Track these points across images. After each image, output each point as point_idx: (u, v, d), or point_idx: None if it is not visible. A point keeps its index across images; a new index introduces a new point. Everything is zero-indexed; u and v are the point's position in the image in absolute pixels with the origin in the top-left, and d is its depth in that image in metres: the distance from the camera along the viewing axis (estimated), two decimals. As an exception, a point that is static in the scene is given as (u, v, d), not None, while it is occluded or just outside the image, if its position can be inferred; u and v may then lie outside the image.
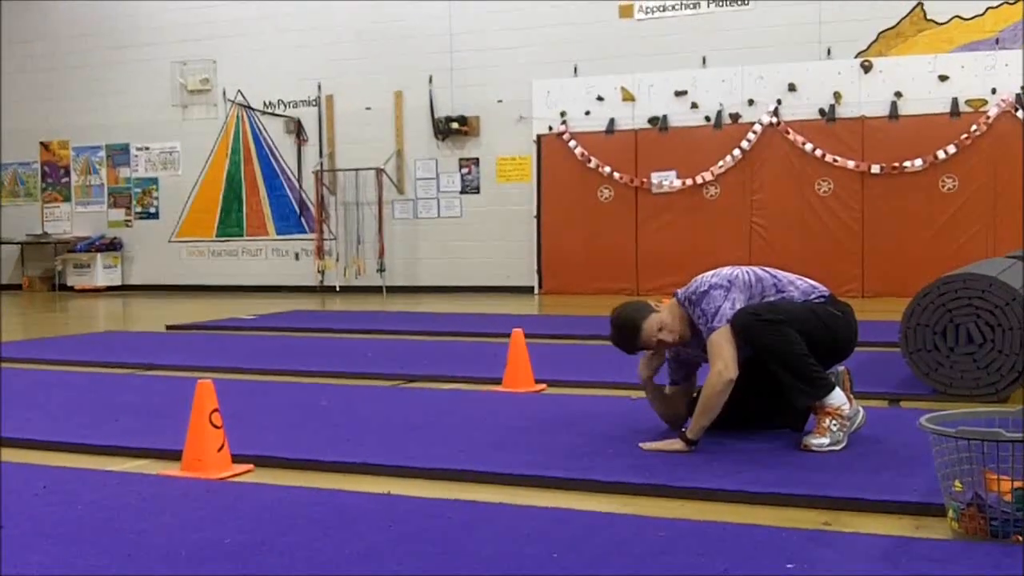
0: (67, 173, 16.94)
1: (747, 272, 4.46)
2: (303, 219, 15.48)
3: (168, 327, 10.17)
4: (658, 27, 13.56)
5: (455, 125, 14.49)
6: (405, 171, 14.92)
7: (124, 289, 16.30)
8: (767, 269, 4.56)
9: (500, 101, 14.26)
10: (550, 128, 13.90)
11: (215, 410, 4.04)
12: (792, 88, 12.84)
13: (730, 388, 4.18)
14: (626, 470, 3.90)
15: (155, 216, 16.38)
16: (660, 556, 2.96)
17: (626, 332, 4.45)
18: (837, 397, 4.25)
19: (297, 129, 15.40)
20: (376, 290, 14.76)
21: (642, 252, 13.52)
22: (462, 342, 8.52)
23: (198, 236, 16.03)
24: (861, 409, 4.37)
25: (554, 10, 13.94)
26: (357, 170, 15.01)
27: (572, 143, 13.73)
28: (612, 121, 13.58)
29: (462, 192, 14.66)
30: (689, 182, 13.29)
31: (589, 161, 13.64)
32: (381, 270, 14.83)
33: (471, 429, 4.78)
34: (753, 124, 12.99)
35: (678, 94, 13.32)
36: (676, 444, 4.22)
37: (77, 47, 16.59)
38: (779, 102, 12.90)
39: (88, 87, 16.57)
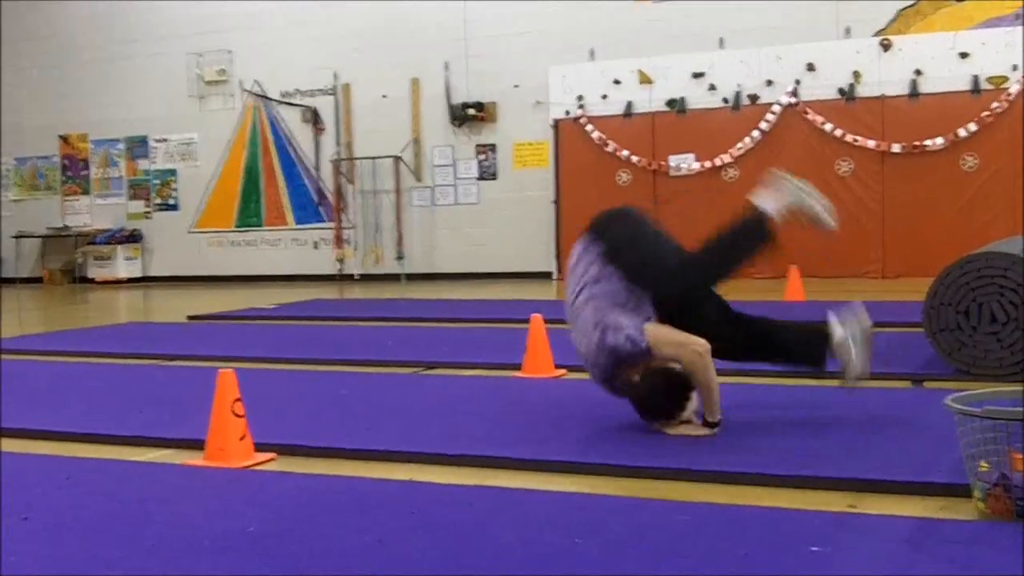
0: (86, 166, 17.00)
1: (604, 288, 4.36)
2: (321, 208, 15.50)
3: (189, 317, 10.19)
4: (675, 9, 13.50)
5: (472, 111, 14.47)
6: (422, 158, 14.92)
7: (145, 281, 16.36)
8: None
9: (517, 87, 14.23)
10: (567, 113, 13.86)
11: (237, 399, 4.05)
12: (811, 68, 12.77)
13: (707, 355, 4.10)
14: (647, 454, 3.89)
15: (174, 208, 16.43)
16: (683, 540, 2.94)
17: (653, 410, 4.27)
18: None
19: (314, 118, 15.41)
20: (395, 278, 14.77)
21: (661, 236, 13.46)
22: (481, 328, 8.51)
23: (217, 227, 16.07)
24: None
25: (570, -6, 13.91)
26: (374, 158, 15.02)
27: (589, 127, 13.69)
28: (629, 104, 13.53)
29: (479, 178, 14.65)
30: (708, 164, 13.24)
31: (607, 145, 13.60)
32: (399, 258, 14.84)
33: (491, 415, 4.77)
34: (772, 105, 12.93)
35: (696, 76, 13.26)
36: (701, 430, 4.19)
37: (94, 41, 16.63)
38: (798, 83, 12.83)
39: (106, 80, 16.61)
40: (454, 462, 3.96)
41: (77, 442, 4.59)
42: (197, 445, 4.21)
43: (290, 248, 15.67)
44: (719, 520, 3.11)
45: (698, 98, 13.30)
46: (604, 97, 13.66)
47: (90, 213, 16.97)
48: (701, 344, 4.11)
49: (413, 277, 14.73)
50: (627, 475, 3.71)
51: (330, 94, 15.35)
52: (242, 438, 4.08)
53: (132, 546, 3.05)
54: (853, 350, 4.22)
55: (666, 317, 4.28)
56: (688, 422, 4.22)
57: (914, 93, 12.40)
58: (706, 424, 4.19)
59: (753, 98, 13.03)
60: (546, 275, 14.08)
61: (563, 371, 5.89)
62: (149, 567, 2.87)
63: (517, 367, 5.94)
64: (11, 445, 4.57)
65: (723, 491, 3.47)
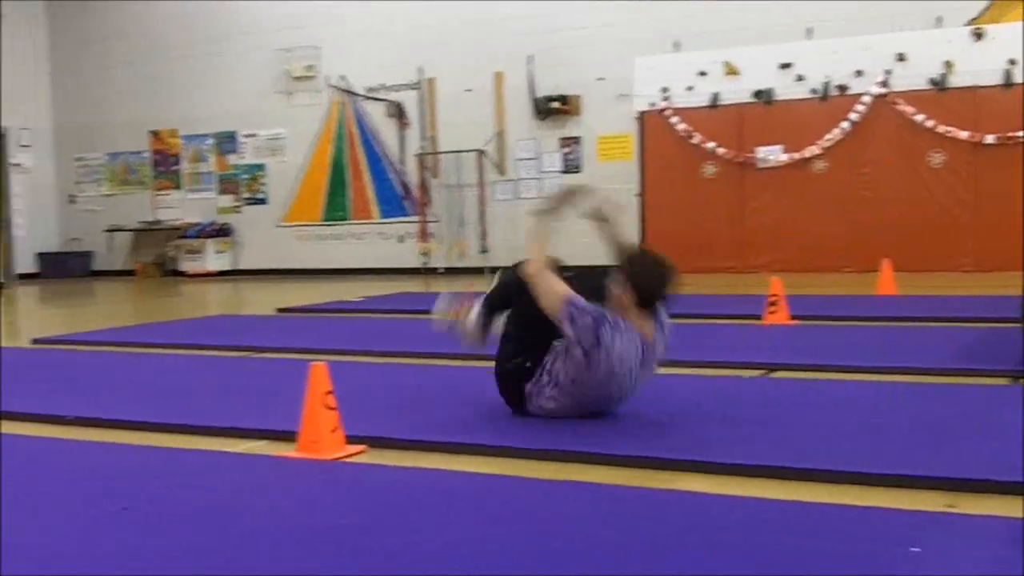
0: (177, 161, 17.30)
1: (608, 369, 4.34)
2: (406, 202, 15.60)
3: (278, 310, 10.32)
4: (761, -1, 13.36)
5: (555, 104, 14.46)
6: (506, 152, 14.94)
7: (234, 274, 16.60)
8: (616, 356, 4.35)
9: (601, 79, 14.19)
10: (652, 105, 13.78)
11: (329, 392, 4.09)
12: (901, 58, 12.55)
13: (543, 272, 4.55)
14: (743, 451, 3.84)
15: (263, 202, 16.66)
16: (779, 539, 2.90)
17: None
18: (474, 311, 4.88)
19: (399, 113, 15.51)
20: (478, 271, 14.80)
21: (747, 229, 13.35)
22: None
23: (305, 221, 16.26)
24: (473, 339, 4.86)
25: (655, -15, 13.82)
26: (458, 152, 15.07)
27: (674, 119, 13.61)
28: (715, 96, 13.42)
29: (563, 172, 14.63)
30: (796, 156, 13.08)
31: (692, 137, 13.50)
32: (483, 251, 14.88)
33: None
34: (861, 96, 12.73)
35: (783, 67, 13.11)
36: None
37: (184, 38, 16.92)
38: (888, 73, 12.62)
39: (195, 77, 16.89)
40: (541, 456, 3.95)
41: (172, 433, 4.67)
42: (289, 437, 4.26)
43: (375, 242, 15.80)
44: (814, 519, 3.07)
45: (785, 89, 13.14)
46: (690, 88, 13.55)
47: (181, 207, 17.27)
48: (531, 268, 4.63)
49: (497, 270, 14.72)
50: (720, 472, 3.66)
51: (415, 88, 15.43)
52: (334, 430, 4.12)
53: (227, 538, 3.10)
54: None
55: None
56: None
57: (1008, 83, 12.13)
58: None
59: (842, 88, 12.84)
60: (630, 269, 14.01)
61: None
62: (244, 559, 2.90)
63: (602, 362, 5.91)
64: (108, 435, 4.68)
65: (818, 489, 3.42)
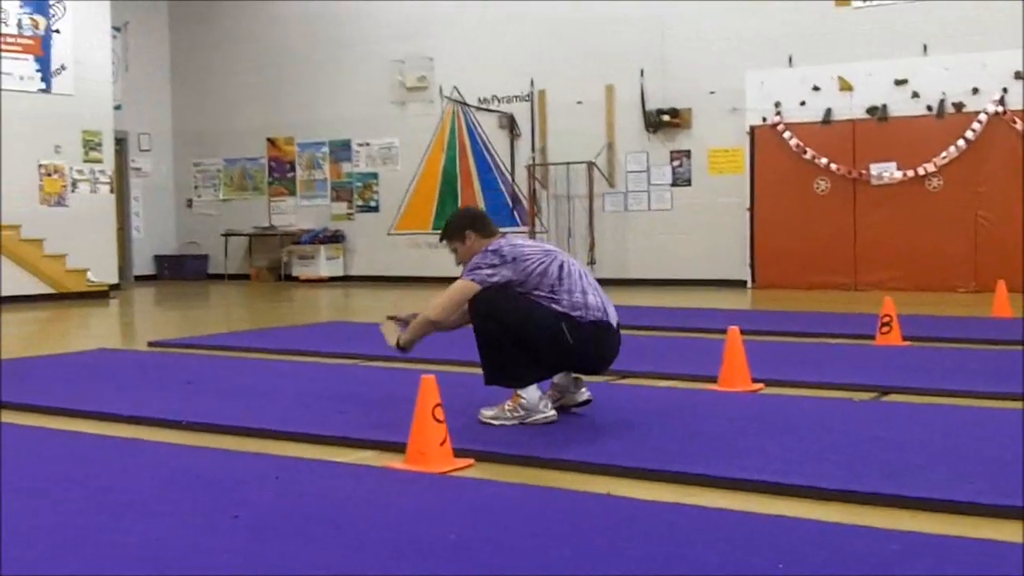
0: (292, 168, 17.63)
1: (541, 262, 4.79)
2: (515, 212, 15.67)
3: (388, 318, 10.41)
4: (876, 14, 13.15)
5: (666, 117, 14.40)
6: (616, 164, 14.92)
7: (345, 280, 16.85)
8: (566, 270, 4.82)
9: (712, 92, 14.09)
10: (764, 119, 13.65)
11: (438, 404, 4.12)
12: (1019, 76, 12.24)
13: (433, 329, 5.01)
14: (851, 477, 3.77)
15: (375, 209, 16.88)
16: (893, 569, 2.85)
17: (449, 226, 5.10)
18: (527, 391, 4.77)
19: (510, 124, 15.59)
20: (586, 283, 14.78)
21: (860, 246, 13.13)
22: (674, 338, 8.45)
23: (415, 229, 16.43)
24: (551, 415, 4.81)
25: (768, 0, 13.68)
26: (568, 163, 15.10)
27: (787, 134, 13.45)
28: (829, 111, 13.23)
29: (673, 184, 14.57)
30: (910, 173, 12.84)
31: (804, 152, 13.34)
32: (591, 263, 14.87)
33: (689, 429, 4.72)
34: (978, 114, 12.44)
35: (898, 83, 12.88)
36: (392, 338, 5.16)
37: (301, 46, 17.24)
38: (1005, 91, 12.32)
39: (312, 85, 17.19)
40: (653, 476, 3.93)
41: (283, 440, 4.75)
42: (398, 448, 4.31)
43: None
44: (933, 551, 3.00)
45: (900, 105, 12.91)
46: (803, 103, 13.39)
47: (295, 213, 17.59)
48: (433, 315, 4.96)
49: (604, 282, 14.62)
50: (830, 498, 3.60)
51: (526, 100, 15.51)
52: (442, 443, 4.15)
53: (335, 548, 3.13)
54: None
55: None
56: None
57: None
58: (398, 343, 5.11)
59: (958, 106, 12.57)
60: (739, 283, 13.90)
61: (761, 385, 5.79)
62: (353, 569, 2.94)
63: (713, 379, 5.87)
64: (221, 441, 4.78)
65: (935, 520, 3.34)
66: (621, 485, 3.85)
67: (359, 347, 7.96)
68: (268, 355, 7.81)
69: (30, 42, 14.62)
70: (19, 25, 14.50)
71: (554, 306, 4.74)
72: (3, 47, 14.31)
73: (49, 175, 14.75)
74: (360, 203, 17.02)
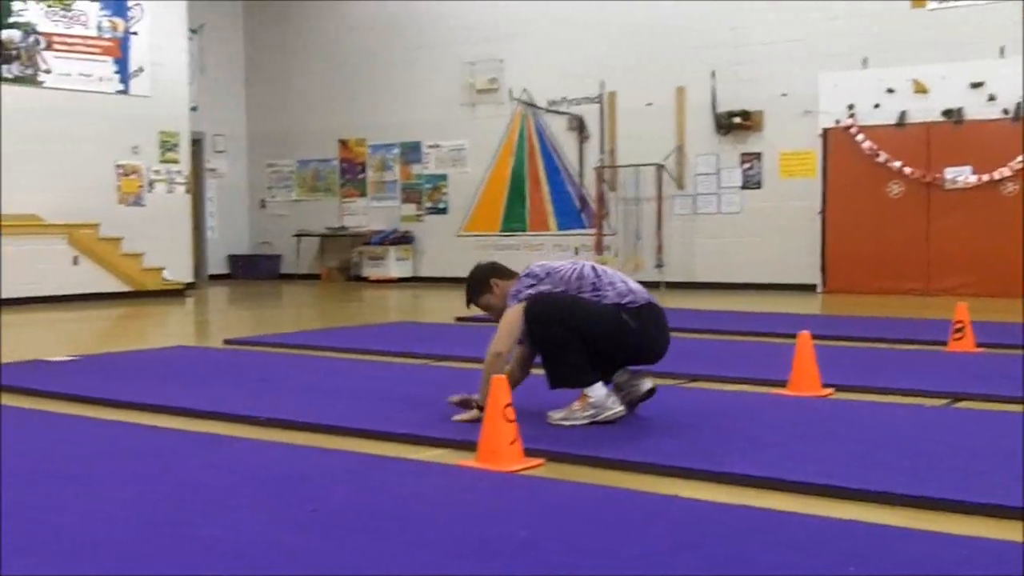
0: (363, 170, 17.81)
1: (573, 268, 4.97)
2: (583, 215, 15.70)
3: (457, 319, 10.53)
4: (952, 16, 12.99)
5: (737, 120, 14.35)
6: (685, 166, 14.89)
7: (414, 281, 16.99)
8: (598, 269, 5.02)
9: (784, 95, 14.02)
10: (837, 122, 13.56)
11: (508, 404, 4.18)
12: (1100, 79, 12.05)
13: (500, 361, 4.81)
14: (921, 482, 3.78)
15: (444, 211, 17.00)
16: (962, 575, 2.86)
17: (468, 295, 5.23)
18: (593, 389, 4.82)
19: (579, 126, 15.63)
20: (653, 285, 14.78)
21: (934, 251, 13.00)
22: (743, 342, 8.44)
23: (483, 230, 16.53)
24: (620, 410, 4.87)
25: (842, 0, 13.57)
26: (637, 166, 15.09)
27: (860, 137, 13.35)
28: (903, 114, 13.11)
29: (743, 187, 14.51)
30: (985, 178, 12.68)
31: (878, 156, 13.23)
32: (659, 266, 14.86)
33: (757, 433, 4.73)
34: (1056, 117, 12.27)
35: (974, 86, 12.73)
36: (473, 413, 4.83)
37: (373, 48, 17.41)
38: (1085, 94, 12.13)
39: (384, 87, 17.36)
40: (719, 479, 3.96)
41: (357, 437, 4.84)
42: (469, 447, 4.38)
43: (552, 253, 15.92)
44: (999, 557, 3.00)
45: (976, 108, 12.77)
46: (876, 106, 13.28)
47: (366, 215, 17.77)
48: (501, 348, 4.83)
49: (672, 285, 14.73)
50: (898, 503, 3.60)
51: (596, 102, 15.53)
52: (512, 442, 4.21)
53: (410, 544, 3.20)
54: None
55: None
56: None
57: None
58: (476, 406, 4.82)
59: (1035, 110, 12.40)
60: (809, 287, 13.81)
61: (831, 390, 5.78)
62: (426, 566, 3.00)
63: (783, 384, 5.87)
64: (296, 437, 4.88)
65: (1004, 526, 3.34)
66: (689, 487, 3.89)
67: (429, 347, 8.06)
68: (340, 354, 7.93)
69: (109, 44, 14.94)
70: (99, 27, 14.82)
71: (604, 301, 4.88)
72: (83, 49, 14.64)
73: (127, 175, 15.06)
74: (429, 205, 17.15)
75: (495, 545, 3.17)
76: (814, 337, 5.95)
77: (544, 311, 4.81)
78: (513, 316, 4.86)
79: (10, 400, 6.02)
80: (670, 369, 6.66)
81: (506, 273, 5.14)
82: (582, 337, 4.78)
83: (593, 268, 5.00)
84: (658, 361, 5.12)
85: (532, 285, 4.92)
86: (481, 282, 5.14)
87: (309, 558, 3.06)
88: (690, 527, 3.34)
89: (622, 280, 5.00)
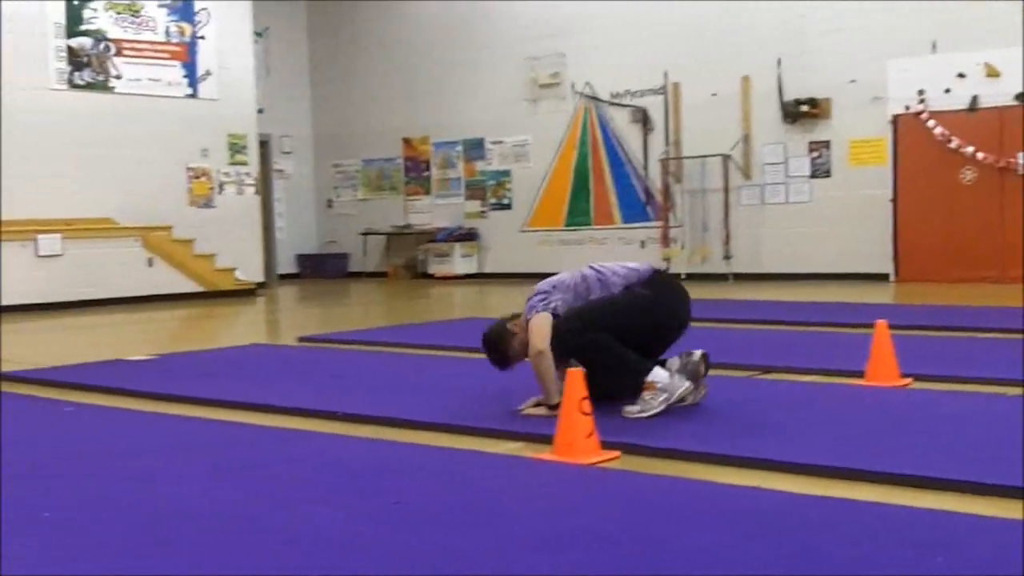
0: (427, 167, 17.90)
1: (573, 275, 5.15)
2: (648, 207, 15.64)
3: (523, 412, 10.51)
4: (1024, -3, 12.76)
5: (805, 108, 14.20)
6: (752, 156, 14.78)
7: (479, 277, 17.04)
8: (595, 266, 5.20)
9: (853, 81, 13.85)
10: (907, 108, 13.38)
11: (584, 398, 4.19)
12: None
13: (545, 358, 4.86)
14: (1003, 472, 3.71)
15: (507, 207, 17.03)
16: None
17: (496, 356, 5.21)
18: (655, 374, 4.87)
19: (643, 118, 15.57)
20: (721, 277, 14.71)
21: (1009, 237, 12.77)
22: (817, 332, 8.37)
23: (548, 226, 16.54)
24: (688, 384, 4.92)
25: (910, -16, 13.40)
26: (703, 157, 15.01)
27: (931, 123, 13.16)
28: (975, 99, 12.90)
29: (812, 176, 14.37)
30: (1060, 162, 12.45)
31: (949, 142, 13.03)
32: (727, 257, 14.77)
33: (836, 423, 4.70)
34: None
35: (1048, 68, 12.50)
36: (541, 410, 4.93)
37: (436, 46, 17.48)
38: None
39: (446, 85, 17.42)
40: (798, 470, 3.93)
41: (433, 431, 4.88)
42: (544, 440, 4.39)
43: (617, 247, 15.90)
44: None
45: (1050, 91, 12.53)
46: (947, 91, 13.08)
47: (430, 212, 17.86)
48: (541, 345, 4.88)
49: (740, 277, 14.63)
50: (984, 492, 3.56)
51: (659, 94, 15.46)
52: (589, 435, 4.22)
53: (490, 535, 3.24)
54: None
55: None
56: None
57: None
58: (546, 406, 4.90)
59: (1112, 91, 12.15)
60: (881, 277, 13.65)
61: (909, 380, 5.71)
62: (506, 558, 3.03)
63: (859, 374, 5.81)
64: (374, 432, 4.93)
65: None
66: (768, 478, 3.87)
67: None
68: (411, 350, 7.98)
69: (177, 49, 15.15)
70: (167, 33, 15.03)
71: (613, 290, 5.07)
72: (152, 54, 14.86)
73: (197, 177, 15.27)
74: (493, 201, 17.19)
75: (575, 537, 3.18)
76: (890, 326, 5.88)
77: (571, 325, 4.93)
78: (539, 320, 4.97)
79: (94, 399, 6.15)
80: (743, 360, 6.67)
81: (512, 316, 5.25)
82: (617, 333, 4.90)
83: (592, 267, 5.18)
84: (686, 325, 5.19)
85: (544, 299, 5.04)
86: (500, 336, 5.19)
87: (390, 550, 3.10)
88: (770, 518, 3.33)
89: (621, 266, 5.18)
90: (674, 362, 5.02)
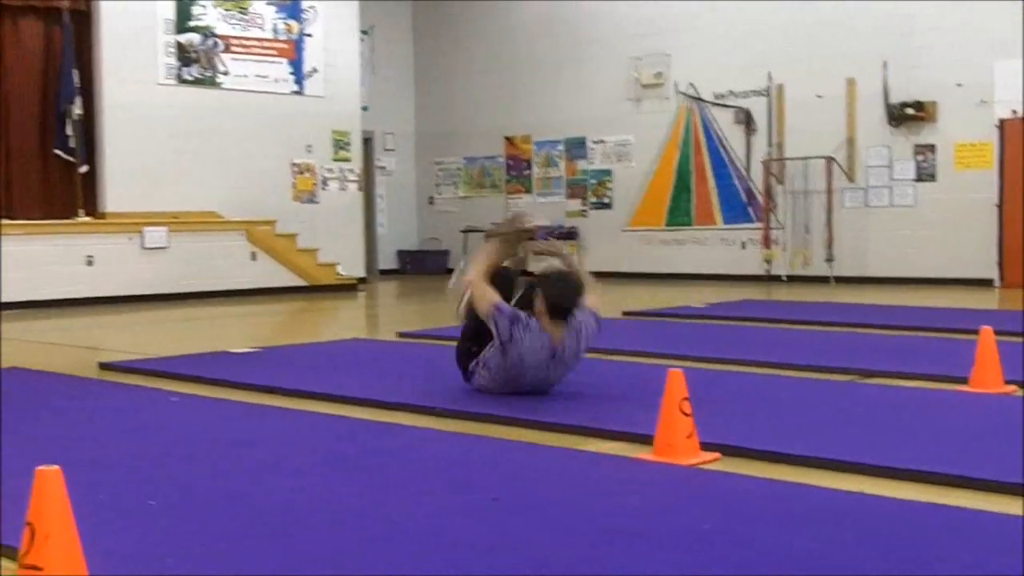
0: (529, 166, 17.96)
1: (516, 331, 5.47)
2: (750, 208, 15.52)
3: (624, 313, 10.56)
4: None
5: (910, 111, 13.98)
6: (856, 159, 14.58)
7: (579, 276, 17.00)
8: (521, 344, 5.47)
9: (959, 85, 13.59)
10: (1014, 112, 13.10)
11: (685, 398, 4.20)
12: None
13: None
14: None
15: (609, 206, 17.02)
16: None
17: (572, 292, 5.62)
18: None
19: (746, 119, 15.45)
20: (822, 280, 14.55)
21: (1118, 244, 12.44)
22: (920, 337, 8.24)
23: (649, 225, 16.49)
24: None
25: (1022, -15, 13.09)
26: (806, 158, 14.85)
27: (1040, 127, 12.86)
28: (1088, 102, 12.58)
29: (917, 180, 14.13)
30: None
31: (1060, 145, 12.73)
32: (829, 260, 14.60)
33: (941, 429, 4.65)
34: None
35: None
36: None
37: (539, 46, 17.53)
38: None
39: (549, 84, 17.46)
40: (902, 476, 3.90)
41: (533, 428, 4.92)
42: (643, 440, 4.41)
43: (718, 247, 15.81)
44: None
45: None
46: (1058, 95, 12.77)
47: (531, 210, 17.88)
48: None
49: (842, 280, 14.45)
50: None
51: (763, 95, 15.33)
52: (689, 436, 4.23)
53: (590, 533, 3.26)
54: None
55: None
56: None
57: None
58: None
59: None
60: (985, 282, 13.38)
61: (1014, 387, 5.61)
62: (609, 557, 3.06)
63: (963, 380, 5.72)
64: (473, 428, 5.00)
65: None
66: (871, 483, 3.84)
67: (599, 341, 8.08)
68: (510, 348, 8.02)
69: (284, 46, 15.41)
70: (274, 30, 15.30)
71: (486, 350, 5.67)
72: (259, 51, 15.14)
73: (301, 173, 15.53)
74: (594, 200, 17.19)
75: (675, 538, 3.20)
76: (997, 333, 5.79)
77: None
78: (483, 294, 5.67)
79: (198, 390, 6.31)
80: (845, 364, 6.61)
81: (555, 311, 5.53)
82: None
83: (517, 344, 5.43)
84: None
85: (510, 324, 5.45)
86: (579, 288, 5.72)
87: (488, 547, 3.15)
88: (873, 524, 3.31)
89: (526, 357, 5.44)
90: None
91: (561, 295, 5.50)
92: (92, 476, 3.93)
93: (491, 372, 5.62)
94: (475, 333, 5.74)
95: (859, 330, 8.77)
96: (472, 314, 5.72)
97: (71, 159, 13.44)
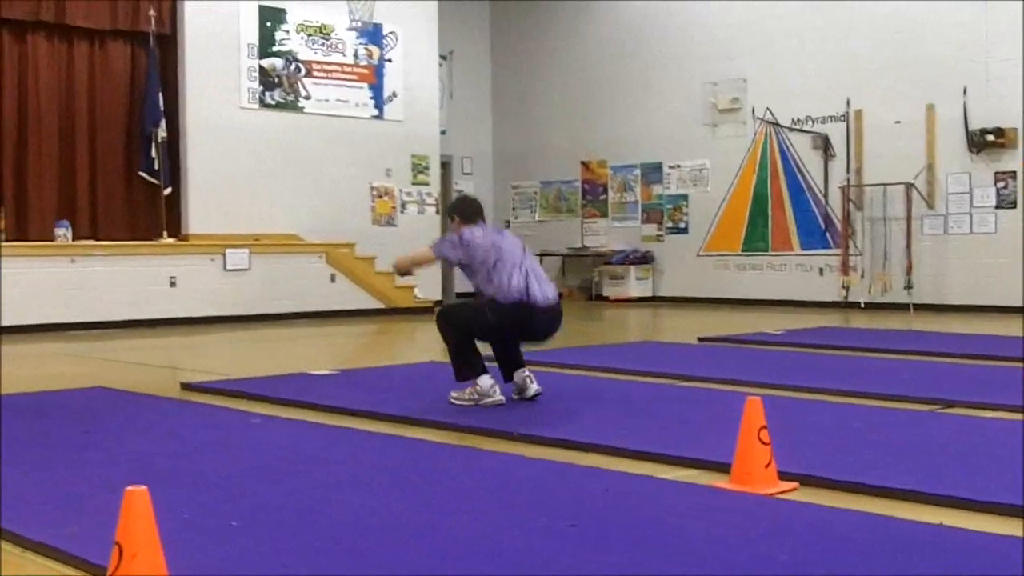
0: (604, 190, 17.98)
1: (487, 252, 6.21)
2: (828, 234, 15.39)
3: (699, 339, 10.52)
4: None
5: (991, 137, 13.78)
6: (935, 185, 14.41)
7: (654, 300, 17.02)
8: (505, 253, 6.21)
9: (1041, 110, 13.38)
10: (1099, 137, 12.85)
11: (763, 427, 4.20)
12: None
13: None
14: None
15: (684, 231, 16.98)
16: None
17: (454, 204, 6.76)
18: (482, 380, 6.20)
19: (824, 145, 15.35)
20: (901, 307, 14.37)
21: None
22: (1000, 367, 8.11)
23: (724, 250, 16.42)
24: (501, 399, 6.21)
25: (1103, 9, 12.88)
26: (885, 185, 14.70)
27: (1123, 152, 12.61)
28: None
29: (997, 207, 13.92)
30: None
31: None
32: (908, 287, 14.42)
33: None
34: None
35: None
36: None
37: (616, 70, 17.57)
38: None
39: (624, 108, 17.49)
40: (986, 509, 3.86)
41: (610, 455, 4.93)
42: (720, 468, 4.41)
43: (794, 273, 15.69)
44: None
45: None
46: None
47: (607, 235, 17.93)
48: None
49: (921, 307, 14.26)
50: None
51: (841, 120, 15.22)
52: (767, 465, 4.22)
53: (669, 563, 3.27)
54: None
55: None
56: None
57: None
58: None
59: None
60: (1071, 312, 13.13)
61: (1100, 420, 5.52)
62: (690, 581, 3.08)
63: (1048, 412, 5.65)
64: (546, 453, 5.03)
65: None
66: (953, 516, 3.81)
67: (675, 367, 8.09)
68: (585, 371, 8.06)
69: (365, 71, 15.63)
70: (355, 55, 15.53)
71: (487, 290, 6.18)
72: (341, 76, 15.37)
73: (380, 196, 15.71)
74: (670, 225, 17.17)
75: (753, 567, 3.20)
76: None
77: (444, 318, 6.31)
78: (422, 252, 6.86)
79: (279, 411, 6.42)
80: (925, 394, 6.54)
81: (466, 216, 6.41)
82: (463, 330, 6.24)
83: (497, 260, 6.15)
84: (541, 339, 6.50)
85: (453, 246, 6.33)
86: (449, 210, 6.69)
87: (567, 570, 3.18)
88: (954, 558, 3.28)
89: (509, 275, 6.11)
90: (519, 376, 6.42)
91: (463, 204, 6.60)
92: (174, 495, 4.02)
93: (497, 305, 6.16)
94: (476, 292, 6.45)
95: (939, 359, 8.65)
96: (443, 321, 6.33)
97: (155, 181, 13.74)
